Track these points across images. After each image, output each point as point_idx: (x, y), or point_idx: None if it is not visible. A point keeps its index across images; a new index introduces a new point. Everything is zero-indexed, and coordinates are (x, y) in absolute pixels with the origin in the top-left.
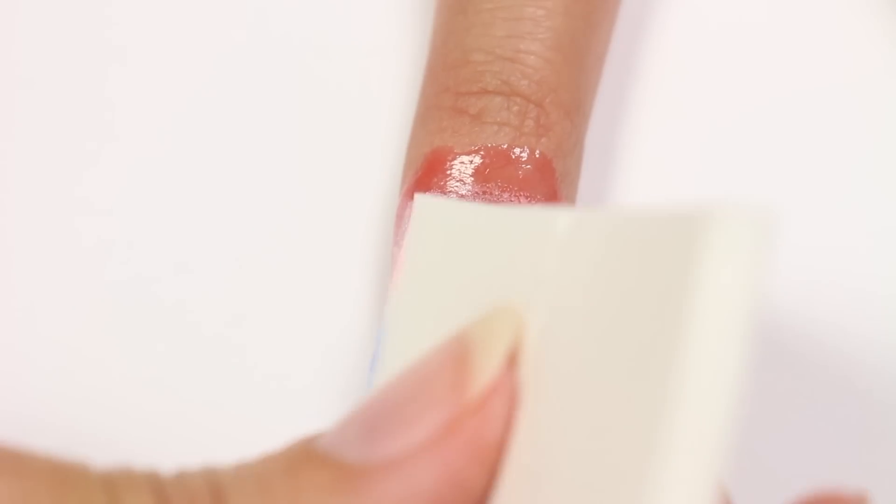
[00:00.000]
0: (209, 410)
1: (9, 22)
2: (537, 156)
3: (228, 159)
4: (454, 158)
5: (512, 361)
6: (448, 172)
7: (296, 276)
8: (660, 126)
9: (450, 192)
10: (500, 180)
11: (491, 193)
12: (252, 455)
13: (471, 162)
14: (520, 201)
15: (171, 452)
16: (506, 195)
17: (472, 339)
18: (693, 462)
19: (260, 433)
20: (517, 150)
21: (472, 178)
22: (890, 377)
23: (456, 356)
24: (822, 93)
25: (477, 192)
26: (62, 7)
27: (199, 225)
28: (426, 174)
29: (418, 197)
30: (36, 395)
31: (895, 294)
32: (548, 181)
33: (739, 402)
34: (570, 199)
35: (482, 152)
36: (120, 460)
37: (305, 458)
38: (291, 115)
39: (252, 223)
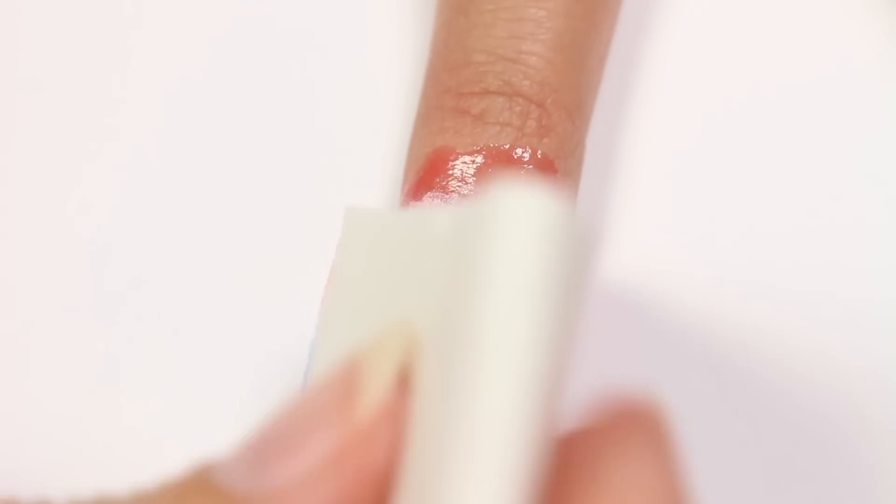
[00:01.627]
0: (206, 412)
1: (9, 22)
2: (539, 156)
3: (228, 161)
4: (456, 158)
5: (403, 381)
6: (450, 172)
7: (296, 277)
8: (661, 126)
9: (452, 191)
10: None
11: None
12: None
13: (473, 162)
14: None
15: (163, 452)
16: None
17: (360, 361)
18: (494, 468)
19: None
20: (519, 151)
21: (474, 178)
22: (888, 378)
23: (343, 379)
24: (824, 93)
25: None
26: (63, 7)
27: (198, 226)
28: (428, 174)
29: (347, 211)
30: (30, 397)
31: (893, 291)
32: (549, 182)
33: (540, 383)
34: (572, 200)
35: (484, 152)
36: (109, 463)
37: (196, 487)
38: (292, 115)
39: (252, 225)
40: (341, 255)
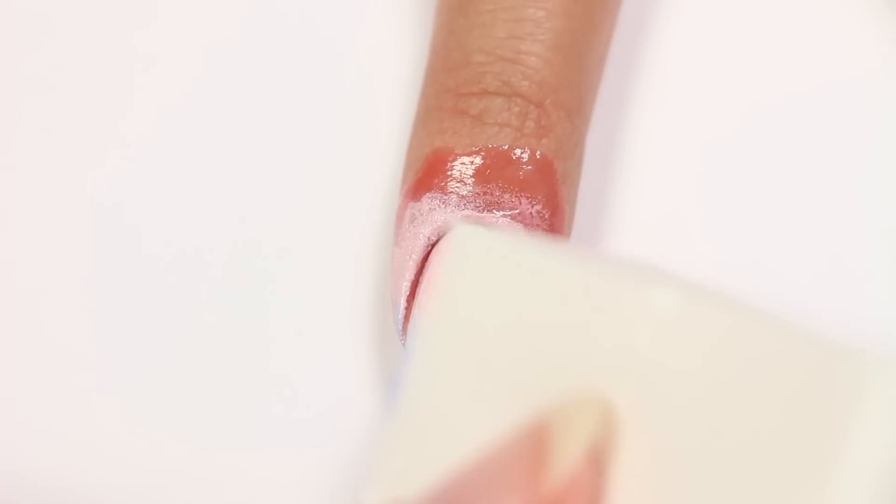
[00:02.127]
0: (206, 411)
1: (14, 22)
2: (538, 157)
3: (228, 160)
4: (455, 159)
5: (594, 460)
6: (448, 173)
7: (295, 277)
8: (660, 127)
9: (450, 192)
10: (500, 181)
11: (492, 194)
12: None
13: (471, 163)
14: (521, 202)
15: (168, 444)
16: (506, 196)
17: (550, 432)
18: None
19: (250, 431)
20: (518, 151)
21: (473, 179)
22: None
23: (532, 448)
24: (824, 94)
25: (478, 193)
26: (68, 6)
27: (198, 226)
28: (427, 175)
29: (460, 225)
30: (34, 395)
31: (894, 294)
32: (548, 182)
33: None
34: (571, 200)
35: (483, 153)
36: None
37: None
38: (291, 115)
39: (252, 224)
40: (450, 271)
